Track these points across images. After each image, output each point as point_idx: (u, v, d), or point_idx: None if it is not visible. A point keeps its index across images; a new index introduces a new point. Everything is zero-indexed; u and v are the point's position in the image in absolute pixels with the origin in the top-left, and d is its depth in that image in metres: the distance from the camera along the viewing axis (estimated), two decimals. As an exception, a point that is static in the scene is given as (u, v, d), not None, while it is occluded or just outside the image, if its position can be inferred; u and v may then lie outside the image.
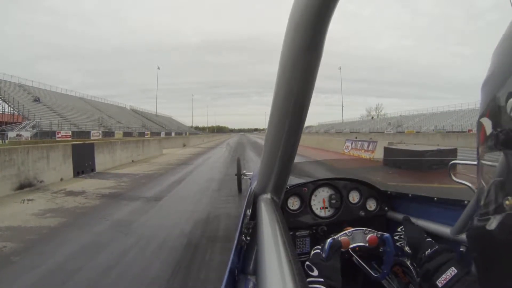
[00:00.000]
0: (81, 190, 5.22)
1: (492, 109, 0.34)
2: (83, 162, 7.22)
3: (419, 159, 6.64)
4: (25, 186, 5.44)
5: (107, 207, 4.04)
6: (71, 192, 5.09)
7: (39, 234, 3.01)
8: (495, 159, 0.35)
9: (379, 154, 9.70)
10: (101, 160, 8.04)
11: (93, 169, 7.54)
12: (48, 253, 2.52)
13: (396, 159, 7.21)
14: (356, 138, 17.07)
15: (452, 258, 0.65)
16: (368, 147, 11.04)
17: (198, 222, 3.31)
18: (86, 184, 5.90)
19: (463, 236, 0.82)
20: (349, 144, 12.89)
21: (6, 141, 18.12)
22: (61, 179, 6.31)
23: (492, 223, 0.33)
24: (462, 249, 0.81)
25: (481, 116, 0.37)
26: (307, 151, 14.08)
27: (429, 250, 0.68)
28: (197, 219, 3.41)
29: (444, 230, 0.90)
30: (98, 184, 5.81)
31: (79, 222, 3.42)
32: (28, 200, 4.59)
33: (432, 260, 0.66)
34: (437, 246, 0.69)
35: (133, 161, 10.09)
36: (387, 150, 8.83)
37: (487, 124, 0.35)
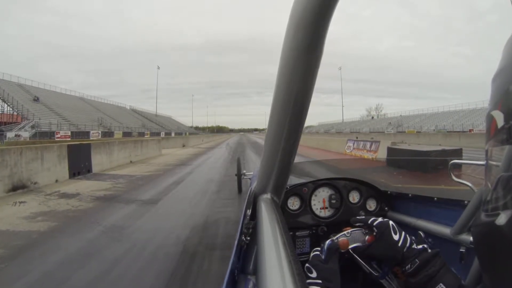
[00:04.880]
0: (75, 192, 5.05)
1: (505, 102, 0.33)
2: (79, 163, 7.05)
3: (424, 160, 6.48)
4: (18, 187, 5.28)
5: (101, 211, 3.87)
6: (65, 194, 4.92)
7: (28, 240, 2.86)
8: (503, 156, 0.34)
9: (381, 155, 9.54)
10: (98, 161, 7.88)
11: (89, 170, 7.37)
12: (35, 261, 2.37)
13: (400, 160, 7.04)
14: (357, 138, 16.91)
15: (438, 271, 0.59)
16: (370, 147, 10.87)
17: (195, 227, 3.13)
18: (81, 185, 5.74)
19: (463, 236, 0.81)
20: (351, 144, 12.72)
21: (4, 141, 17.94)
22: (56, 181, 6.15)
23: (502, 218, 0.32)
24: (462, 249, 0.79)
25: (492, 109, 0.36)
26: (308, 151, 13.92)
27: (409, 265, 0.63)
28: (194, 224, 3.23)
29: (444, 230, 0.90)
30: (93, 186, 5.64)
31: (71, 226, 3.26)
32: (20, 202, 4.44)
33: (416, 276, 0.61)
34: (418, 261, 0.62)
35: (131, 161, 9.92)
36: (390, 150, 8.67)
37: (499, 117, 0.34)
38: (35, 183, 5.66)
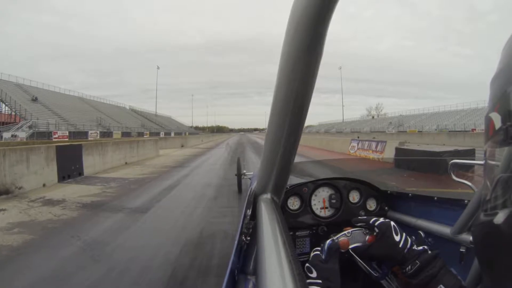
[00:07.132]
0: (61, 199, 4.65)
1: (502, 104, 0.33)
2: (69, 166, 6.65)
3: (437, 161, 6.07)
4: (1, 193, 4.90)
5: (84, 221, 3.48)
6: (49, 201, 4.53)
7: (-5, 257, 2.48)
8: (502, 157, 0.34)
9: (388, 155, 9.14)
10: (90, 163, 7.47)
11: (80, 173, 6.96)
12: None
13: (410, 161, 6.64)
14: (358, 137, 16.50)
15: (438, 273, 0.59)
16: (376, 147, 10.44)
17: (187, 243, 2.72)
18: (69, 190, 5.34)
19: (463, 236, 0.80)
20: (355, 144, 12.30)
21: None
22: (44, 185, 5.75)
23: (500, 217, 0.32)
24: (462, 249, 0.79)
25: (490, 111, 0.36)
26: (309, 151, 13.52)
27: (410, 266, 0.62)
28: (187, 239, 2.81)
29: (444, 230, 0.88)
30: (81, 191, 5.24)
31: (47, 241, 2.88)
32: (0, 210, 4.06)
33: (416, 278, 0.61)
34: (418, 263, 0.61)
35: (126, 163, 9.53)
36: (399, 151, 8.28)
37: (496, 119, 0.34)
38: (20, 188, 5.27)
